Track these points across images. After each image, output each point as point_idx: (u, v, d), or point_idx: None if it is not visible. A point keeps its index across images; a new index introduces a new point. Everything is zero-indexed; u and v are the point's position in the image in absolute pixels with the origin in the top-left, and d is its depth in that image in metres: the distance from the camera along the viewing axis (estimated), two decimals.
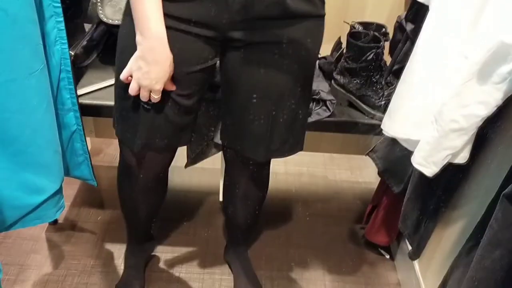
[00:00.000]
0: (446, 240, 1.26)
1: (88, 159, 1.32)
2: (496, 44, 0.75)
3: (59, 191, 1.23)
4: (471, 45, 0.82)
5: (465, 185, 1.18)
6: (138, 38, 0.92)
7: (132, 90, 0.96)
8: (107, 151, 2.00)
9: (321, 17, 1.00)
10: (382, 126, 1.01)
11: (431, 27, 0.87)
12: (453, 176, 1.12)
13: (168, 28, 0.92)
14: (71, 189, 1.77)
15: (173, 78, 0.98)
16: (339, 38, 1.44)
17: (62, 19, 1.09)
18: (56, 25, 1.09)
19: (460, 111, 0.85)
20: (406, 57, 1.15)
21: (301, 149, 1.16)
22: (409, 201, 1.26)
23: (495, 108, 0.83)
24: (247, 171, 1.22)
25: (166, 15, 0.91)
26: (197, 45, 0.96)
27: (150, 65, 0.91)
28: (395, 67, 1.27)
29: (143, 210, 1.31)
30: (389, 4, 1.59)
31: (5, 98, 1.00)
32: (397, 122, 0.97)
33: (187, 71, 0.98)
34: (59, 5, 1.07)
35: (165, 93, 0.98)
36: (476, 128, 0.87)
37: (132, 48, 0.94)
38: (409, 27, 1.21)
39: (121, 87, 1.00)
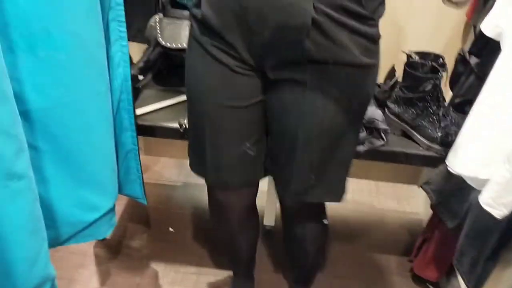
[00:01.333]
0: (506, 281, 1.21)
1: (140, 178, 1.34)
2: None
3: (112, 209, 1.24)
4: None
5: None
6: None
7: None
8: (155, 168, 2.03)
9: (361, 67, 0.85)
10: (446, 162, 0.98)
11: (505, 66, 0.84)
12: None
13: (217, 61, 0.93)
14: (118, 205, 1.76)
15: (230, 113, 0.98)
16: (393, 66, 1.43)
17: (126, 43, 1.12)
18: (121, 48, 1.12)
19: None
20: (470, 90, 1.12)
21: (338, 201, 1.06)
22: (466, 238, 1.21)
23: None
24: (297, 214, 1.19)
25: (212, 45, 0.92)
26: (245, 80, 0.95)
27: None
28: (457, 100, 1.24)
29: (236, 244, 1.34)
30: (446, 34, 1.56)
31: (69, 117, 1.03)
32: (463, 159, 0.94)
33: (242, 105, 0.98)
34: (125, 29, 1.10)
35: (228, 130, 0.99)
36: None
37: (195, 69, 0.96)
38: (473, 60, 1.18)
39: (192, 122, 1.02)
